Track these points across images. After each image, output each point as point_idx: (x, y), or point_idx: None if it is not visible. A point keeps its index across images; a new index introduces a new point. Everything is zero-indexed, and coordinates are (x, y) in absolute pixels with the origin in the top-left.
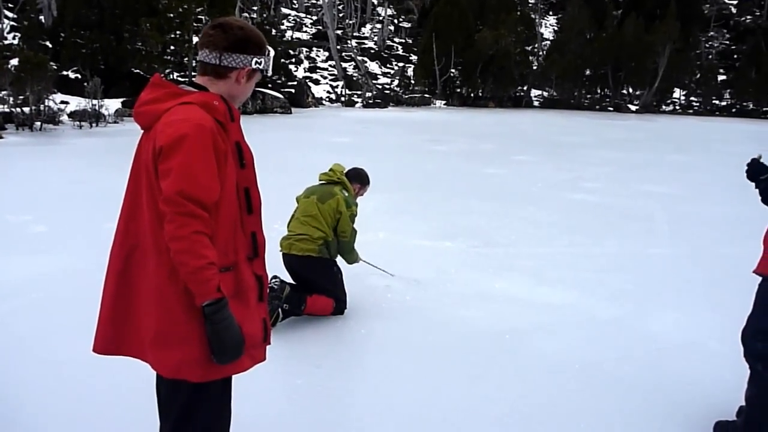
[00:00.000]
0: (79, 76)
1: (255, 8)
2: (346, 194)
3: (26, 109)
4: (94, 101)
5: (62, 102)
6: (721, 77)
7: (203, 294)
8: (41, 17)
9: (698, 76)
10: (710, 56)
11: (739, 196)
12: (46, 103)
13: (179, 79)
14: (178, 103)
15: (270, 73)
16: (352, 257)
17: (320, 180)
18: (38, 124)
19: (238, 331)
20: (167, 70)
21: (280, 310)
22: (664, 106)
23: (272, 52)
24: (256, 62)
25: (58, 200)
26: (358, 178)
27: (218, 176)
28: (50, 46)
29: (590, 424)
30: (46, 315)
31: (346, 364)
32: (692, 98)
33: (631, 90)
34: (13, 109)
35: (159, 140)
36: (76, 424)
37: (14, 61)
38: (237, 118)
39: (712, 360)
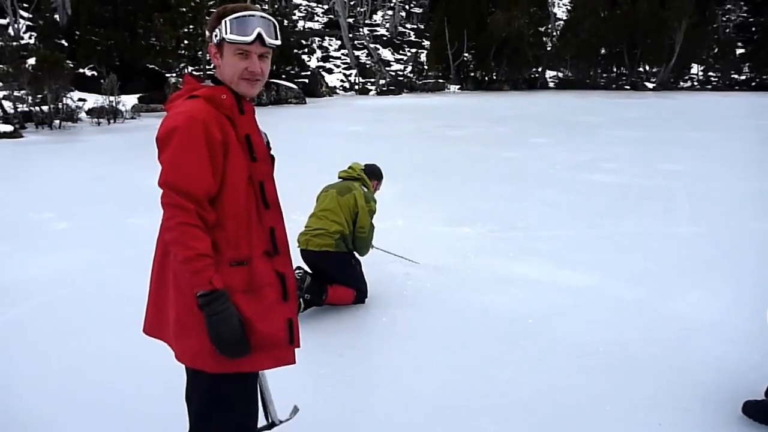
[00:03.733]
0: (96, 74)
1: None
2: (366, 190)
3: (45, 108)
4: (111, 98)
5: (80, 99)
6: (739, 51)
7: (194, 285)
8: (56, 16)
9: (716, 50)
10: (727, 30)
11: (760, 172)
12: (64, 101)
13: (194, 73)
14: (186, 98)
15: (249, 36)
16: (366, 252)
17: (339, 177)
18: (57, 122)
19: (237, 326)
20: (182, 65)
21: (301, 300)
22: (681, 83)
23: (238, 13)
24: (215, 35)
25: (80, 197)
26: (375, 174)
27: (212, 168)
28: (66, 44)
29: (616, 406)
30: (71, 311)
31: (369, 352)
32: (710, 73)
33: (647, 67)
34: (32, 108)
35: (157, 134)
36: (105, 418)
37: (31, 61)
38: (248, 111)
39: (738, 339)
